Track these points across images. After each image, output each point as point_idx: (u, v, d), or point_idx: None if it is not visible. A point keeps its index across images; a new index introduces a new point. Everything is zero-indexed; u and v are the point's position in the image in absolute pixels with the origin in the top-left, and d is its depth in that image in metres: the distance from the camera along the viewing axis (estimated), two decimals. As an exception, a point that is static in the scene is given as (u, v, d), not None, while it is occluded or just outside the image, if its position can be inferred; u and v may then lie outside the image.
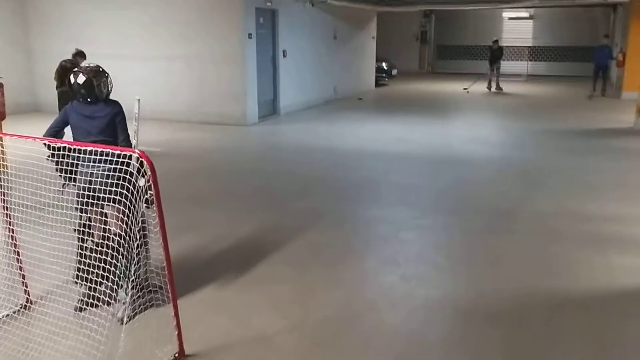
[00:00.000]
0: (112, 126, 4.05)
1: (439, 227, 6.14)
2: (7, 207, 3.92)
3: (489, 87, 18.94)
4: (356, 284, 4.72)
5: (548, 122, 13.07)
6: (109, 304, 3.72)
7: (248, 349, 3.69)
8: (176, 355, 3.51)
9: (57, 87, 9.47)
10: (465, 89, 19.04)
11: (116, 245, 3.46)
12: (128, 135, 4.13)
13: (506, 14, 25.29)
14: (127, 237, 3.57)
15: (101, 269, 3.59)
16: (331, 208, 6.73)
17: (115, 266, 3.47)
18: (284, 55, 13.76)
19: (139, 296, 3.84)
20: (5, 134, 3.83)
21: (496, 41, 19.10)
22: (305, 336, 3.86)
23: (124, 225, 3.53)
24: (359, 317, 4.13)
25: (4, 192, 3.89)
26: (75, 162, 3.86)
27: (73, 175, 3.92)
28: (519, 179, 8.05)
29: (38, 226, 3.74)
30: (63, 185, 3.98)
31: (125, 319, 3.73)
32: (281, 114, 13.80)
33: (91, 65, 4.16)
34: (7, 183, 3.90)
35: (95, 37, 12.70)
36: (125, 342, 3.36)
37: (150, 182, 3.18)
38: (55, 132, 4.08)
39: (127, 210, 3.49)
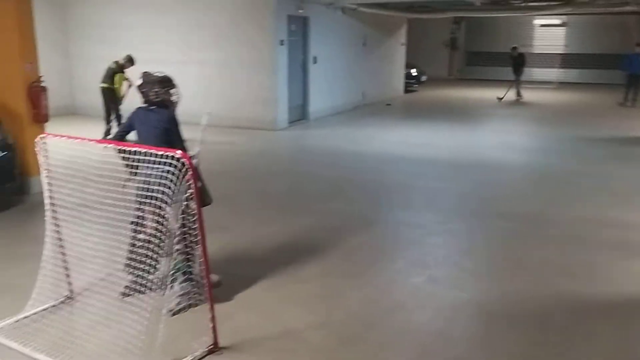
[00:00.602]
0: (166, 134, 4.27)
1: (466, 231, 6.23)
2: (53, 205, 4.14)
3: (518, 96, 18.33)
4: (385, 284, 4.85)
5: (578, 129, 12.99)
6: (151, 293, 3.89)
7: (278, 342, 3.85)
8: (211, 347, 3.69)
9: (100, 83, 10.58)
10: (499, 98, 18.32)
11: (167, 243, 3.66)
12: (183, 145, 4.31)
13: (538, 21, 25.12)
14: (177, 235, 3.77)
15: (147, 262, 3.79)
16: (360, 210, 6.87)
17: (158, 261, 3.66)
18: (315, 62, 13.96)
19: (189, 291, 4.06)
20: (70, 137, 3.94)
21: (515, 48, 18.24)
22: (333, 332, 4.00)
23: (176, 224, 3.74)
24: (387, 315, 4.25)
25: (50, 190, 4.12)
26: (136, 163, 4.09)
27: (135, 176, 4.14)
28: (546, 185, 8.08)
29: (84, 222, 3.94)
30: (126, 180, 4.20)
31: (171, 311, 3.94)
32: (310, 119, 13.99)
33: (156, 72, 4.40)
34: (53, 182, 4.12)
35: (131, 41, 13.01)
36: (163, 332, 3.54)
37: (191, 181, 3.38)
38: (122, 135, 4.45)
39: (178, 210, 3.69)
